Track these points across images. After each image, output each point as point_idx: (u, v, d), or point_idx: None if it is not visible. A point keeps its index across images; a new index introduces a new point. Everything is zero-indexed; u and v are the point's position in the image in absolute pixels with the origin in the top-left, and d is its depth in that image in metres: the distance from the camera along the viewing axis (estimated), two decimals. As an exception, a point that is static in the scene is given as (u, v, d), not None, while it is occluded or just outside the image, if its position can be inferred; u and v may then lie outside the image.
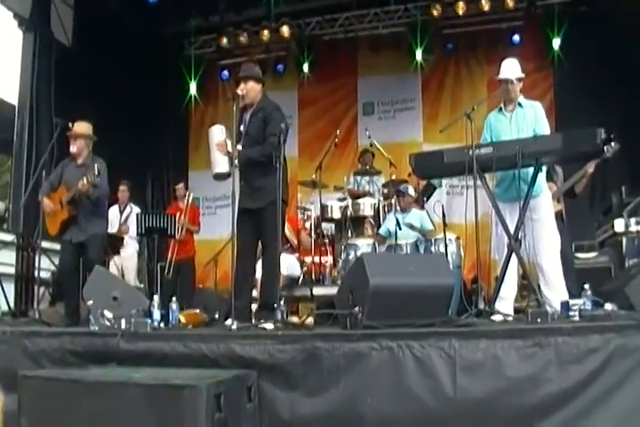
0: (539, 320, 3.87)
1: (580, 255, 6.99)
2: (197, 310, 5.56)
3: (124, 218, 8.46)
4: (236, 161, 4.99)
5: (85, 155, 6.08)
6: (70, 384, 3.56)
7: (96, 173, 5.60)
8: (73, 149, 6.06)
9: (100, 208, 6.11)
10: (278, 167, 4.81)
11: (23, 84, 8.81)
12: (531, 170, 4.87)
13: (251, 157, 5.08)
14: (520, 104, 5.25)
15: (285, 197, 5.12)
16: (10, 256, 7.79)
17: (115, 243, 7.79)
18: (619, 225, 6.98)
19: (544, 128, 5.13)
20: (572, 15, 9.32)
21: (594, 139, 4.49)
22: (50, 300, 7.71)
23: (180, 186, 8.99)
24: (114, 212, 8.03)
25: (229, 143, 5.09)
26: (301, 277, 7.39)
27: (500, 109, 5.36)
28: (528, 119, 5.17)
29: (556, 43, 9.43)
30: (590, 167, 6.20)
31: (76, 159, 6.10)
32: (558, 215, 6.15)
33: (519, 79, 5.25)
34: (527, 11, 9.77)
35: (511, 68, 5.27)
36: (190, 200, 8.63)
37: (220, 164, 5.15)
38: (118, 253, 8.03)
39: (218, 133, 5.22)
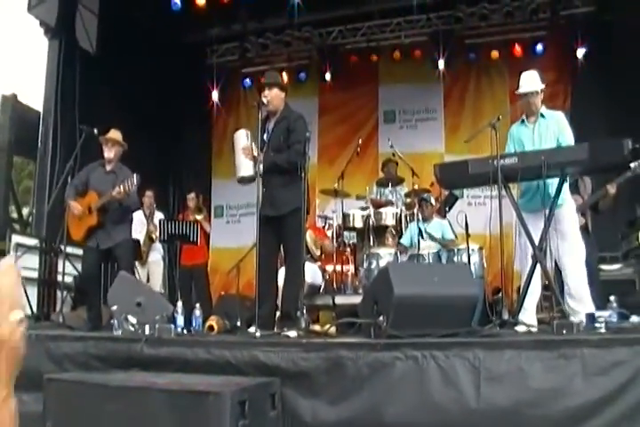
0: (564, 332, 3.85)
1: (604, 267, 6.94)
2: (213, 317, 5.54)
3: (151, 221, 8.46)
4: (261, 166, 5.01)
5: (115, 162, 6.15)
6: (94, 388, 3.59)
7: (135, 182, 5.69)
8: (110, 154, 6.13)
9: (127, 216, 6.20)
10: (303, 177, 4.84)
11: (48, 90, 8.88)
12: (555, 180, 4.85)
13: (277, 162, 5.10)
14: (542, 115, 5.23)
15: (307, 207, 5.14)
16: (33, 261, 7.84)
17: (138, 249, 7.83)
18: (643, 237, 6.94)
19: (568, 138, 5.08)
20: (597, 24, 9.24)
21: (621, 150, 4.43)
22: (72, 304, 7.75)
23: (192, 196, 8.90)
24: (139, 217, 8.03)
25: (255, 147, 5.12)
26: (323, 286, 7.38)
27: (523, 121, 5.34)
28: (551, 129, 5.14)
29: (580, 52, 9.34)
30: (612, 187, 6.13)
31: (105, 166, 6.16)
32: (583, 228, 6.11)
33: (540, 91, 5.22)
34: (551, 20, 9.73)
35: (531, 81, 5.25)
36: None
37: (245, 167, 5.18)
38: (141, 258, 8.05)
39: (243, 138, 5.25)
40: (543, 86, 5.25)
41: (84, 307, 6.43)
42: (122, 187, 5.72)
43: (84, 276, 6.53)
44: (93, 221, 5.96)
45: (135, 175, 5.76)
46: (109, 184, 5.95)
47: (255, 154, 5.11)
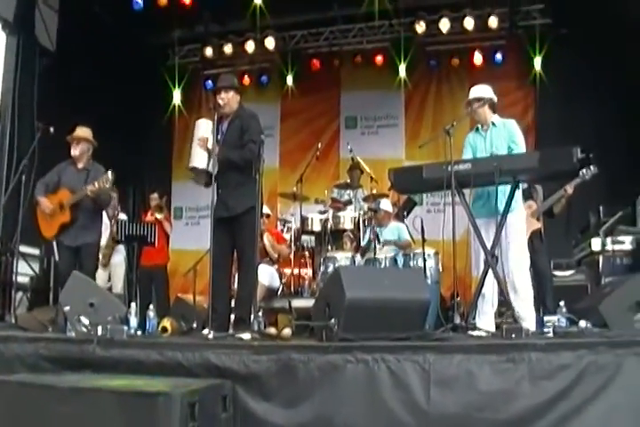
0: (513, 336, 3.91)
1: (557, 273, 7.07)
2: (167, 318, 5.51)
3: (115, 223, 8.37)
4: (216, 167, 4.99)
5: (86, 159, 6.11)
6: (43, 390, 3.53)
7: (110, 179, 5.65)
8: (75, 152, 6.08)
9: (98, 217, 6.16)
10: (258, 179, 4.85)
11: (5, 87, 8.71)
12: (507, 187, 4.92)
13: (231, 157, 5.09)
14: (494, 124, 5.33)
15: (260, 209, 5.15)
16: (-13, 261, 7.69)
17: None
18: (595, 244, 7.08)
19: (519, 144, 5.18)
20: (553, 36, 9.45)
21: (570, 158, 4.51)
22: (27, 305, 7.62)
23: (155, 195, 8.89)
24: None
25: (211, 139, 5.09)
26: (280, 289, 7.38)
27: (477, 129, 5.44)
28: (502, 137, 5.24)
29: (538, 62, 9.56)
30: (570, 188, 6.27)
31: (76, 163, 6.10)
32: (537, 234, 6.23)
33: (479, 100, 5.30)
34: (509, 30, 9.89)
35: (476, 91, 5.39)
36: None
37: (198, 158, 5.15)
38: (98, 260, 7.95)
39: (203, 128, 5.21)
40: (487, 97, 5.33)
41: (40, 308, 6.32)
42: (95, 184, 5.68)
43: (60, 273, 6.37)
44: (66, 218, 5.91)
45: (109, 172, 5.71)
46: (82, 182, 5.93)
47: (209, 146, 5.08)
